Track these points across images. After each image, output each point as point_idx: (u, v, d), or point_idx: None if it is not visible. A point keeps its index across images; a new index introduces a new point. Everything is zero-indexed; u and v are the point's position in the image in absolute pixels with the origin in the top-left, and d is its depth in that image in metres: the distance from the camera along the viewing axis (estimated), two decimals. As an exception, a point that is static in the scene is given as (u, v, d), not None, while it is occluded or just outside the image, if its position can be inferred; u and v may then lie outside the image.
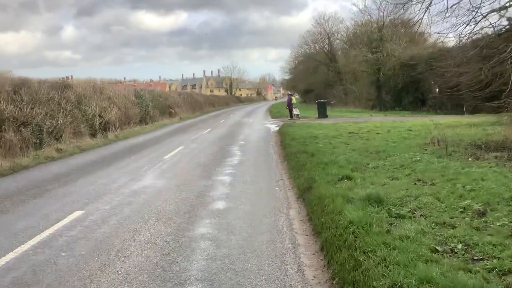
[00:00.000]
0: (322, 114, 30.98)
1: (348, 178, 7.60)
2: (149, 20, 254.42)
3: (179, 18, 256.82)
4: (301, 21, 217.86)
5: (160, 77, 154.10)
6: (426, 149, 11.55)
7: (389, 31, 41.50)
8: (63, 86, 22.65)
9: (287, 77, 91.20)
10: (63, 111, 20.10)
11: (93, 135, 21.46)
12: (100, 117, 23.32)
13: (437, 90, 37.96)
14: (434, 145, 12.20)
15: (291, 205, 7.06)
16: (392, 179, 7.62)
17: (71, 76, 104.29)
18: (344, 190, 6.58)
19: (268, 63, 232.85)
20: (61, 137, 18.52)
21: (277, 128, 22.82)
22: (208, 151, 14.24)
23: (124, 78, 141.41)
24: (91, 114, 22.37)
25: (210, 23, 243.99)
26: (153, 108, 33.28)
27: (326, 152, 11.23)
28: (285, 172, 10.08)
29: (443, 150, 10.75)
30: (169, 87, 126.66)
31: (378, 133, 17.07)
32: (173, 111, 38.78)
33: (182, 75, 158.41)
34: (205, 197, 7.75)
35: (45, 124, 17.37)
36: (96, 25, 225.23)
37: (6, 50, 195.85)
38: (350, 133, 17.53)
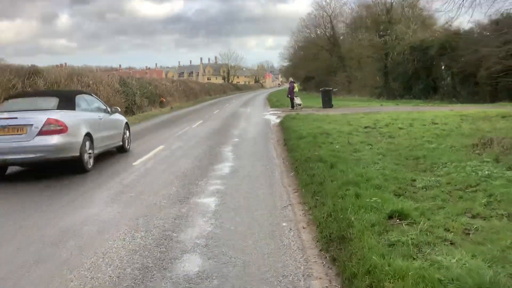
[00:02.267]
0: (327, 103, 28.01)
1: (401, 216, 4.68)
2: (145, 7, 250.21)
3: (175, 6, 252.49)
4: (297, 7, 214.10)
5: (156, 64, 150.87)
6: (479, 153, 8.63)
7: (398, 12, 38.39)
8: (31, 72, 19.65)
9: (286, 64, 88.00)
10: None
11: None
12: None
13: (448, 77, 35.00)
14: (487, 147, 9.28)
15: (312, 270, 4.12)
16: (473, 217, 4.72)
17: (65, 63, 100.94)
18: (411, 257, 3.62)
19: (266, 49, 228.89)
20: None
21: (278, 121, 19.85)
22: (193, 153, 11.29)
23: (120, 66, 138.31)
24: (64, 105, 19.36)
25: (206, 11, 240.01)
26: (140, 97, 30.25)
27: (347, 158, 8.29)
28: (294, 191, 7.15)
29: (509, 156, 7.86)
30: (166, 75, 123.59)
31: (400, 128, 14.16)
32: (164, 100, 35.78)
33: (179, 62, 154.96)
34: (170, 247, 4.82)
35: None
36: (91, 13, 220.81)
37: (2, 38, 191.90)
38: (366, 127, 14.61)
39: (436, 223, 4.46)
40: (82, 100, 10.03)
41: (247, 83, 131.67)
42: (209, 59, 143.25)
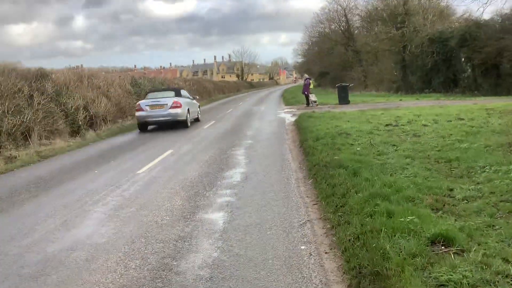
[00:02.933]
0: (344, 99, 27.01)
1: (445, 240, 3.84)
2: (158, 7, 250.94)
3: (187, 5, 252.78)
4: (309, 3, 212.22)
5: (170, 64, 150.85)
6: (520, 154, 7.70)
7: (415, 3, 37.07)
8: (38, 75, 19.15)
9: (300, 60, 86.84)
10: (35, 105, 16.70)
11: (76, 132, 18.01)
12: (86, 110, 19.84)
13: (469, 69, 33.64)
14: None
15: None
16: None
17: (81, 65, 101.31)
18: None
19: (280, 46, 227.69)
20: (29, 138, 15.10)
21: (293, 119, 18.99)
22: (203, 158, 10.55)
23: (135, 66, 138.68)
24: (73, 107, 18.86)
25: (219, 9, 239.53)
26: (153, 98, 29.69)
27: (371, 163, 7.44)
28: (312, 203, 6.33)
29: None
30: (180, 74, 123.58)
31: (424, 125, 13.21)
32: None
33: (193, 61, 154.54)
34: (168, 281, 4.06)
35: (3, 122, 13.97)
36: (106, 14, 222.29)
37: (19, 41, 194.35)
38: (387, 125, 13.69)
39: (491, 251, 3.61)
40: (183, 92, 19.08)
41: (261, 80, 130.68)
42: (223, 57, 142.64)
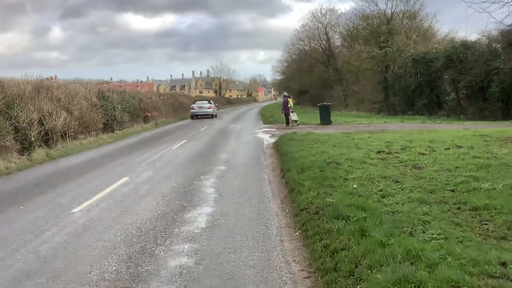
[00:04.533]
0: (325, 120, 25.42)
1: None
2: (136, 21, 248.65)
3: (166, 20, 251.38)
4: (287, 23, 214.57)
5: (148, 77, 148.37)
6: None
7: (399, 22, 36.16)
8: (-15, 84, 16.92)
9: (279, 77, 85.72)
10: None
11: (27, 149, 15.75)
12: (41, 124, 17.60)
13: (452, 93, 32.71)
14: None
15: None
16: None
17: (55, 76, 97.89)
18: None
19: (258, 63, 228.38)
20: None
21: (272, 140, 17.20)
22: (163, 190, 8.57)
23: (111, 79, 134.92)
24: (25, 121, 16.62)
25: (198, 25, 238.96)
26: (121, 112, 27.47)
27: (378, 212, 5.61)
28: (303, 275, 4.42)
29: None
30: (157, 88, 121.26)
31: (421, 153, 11.56)
32: (149, 115, 33.09)
33: (171, 75, 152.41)
34: None
35: None
36: (83, 26, 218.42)
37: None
38: (379, 152, 12.01)
39: None
40: (211, 101, 39.75)
41: (239, 96, 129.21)
42: (201, 73, 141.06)
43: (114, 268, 4.69)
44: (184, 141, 18.13)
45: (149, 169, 11.22)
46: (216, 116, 37.44)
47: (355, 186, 7.42)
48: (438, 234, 4.69)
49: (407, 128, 20.77)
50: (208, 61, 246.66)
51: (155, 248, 5.29)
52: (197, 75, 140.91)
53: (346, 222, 5.16)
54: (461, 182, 7.73)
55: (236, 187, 8.90)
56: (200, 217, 6.68)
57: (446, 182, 7.86)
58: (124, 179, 9.72)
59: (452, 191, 7.23)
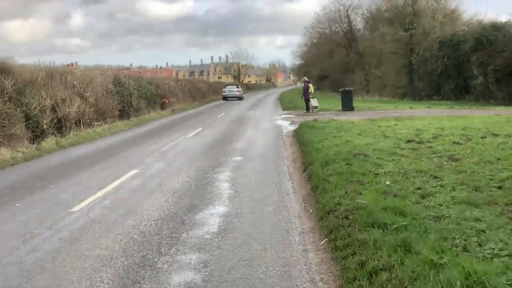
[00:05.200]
0: (347, 105, 24.36)
1: None
2: (155, 7, 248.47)
3: (185, 6, 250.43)
4: (305, 7, 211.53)
5: (167, 63, 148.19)
6: None
7: (425, 3, 34.49)
8: (-4, 70, 16.39)
9: (298, 62, 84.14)
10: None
11: (37, 137, 15.23)
12: (54, 112, 17.06)
13: (480, 77, 31.11)
14: None
15: None
16: None
17: (76, 63, 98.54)
18: None
19: (277, 48, 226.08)
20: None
21: (292, 128, 16.32)
22: (173, 185, 7.83)
23: (131, 65, 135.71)
24: (37, 108, 16.08)
25: (216, 10, 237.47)
26: (138, 99, 26.86)
27: (420, 217, 4.75)
28: (334, 299, 3.66)
29: None
30: (177, 74, 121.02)
31: (456, 143, 10.57)
32: (166, 101, 32.47)
33: (190, 61, 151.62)
34: None
35: None
36: (103, 12, 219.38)
37: (15, 37, 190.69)
38: (409, 141, 11.05)
39: None
40: (238, 86, 52.12)
41: (258, 82, 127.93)
42: (220, 58, 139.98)
43: (106, 286, 3.95)
44: (200, 128, 17.39)
45: (161, 160, 10.49)
46: (243, 98, 45.63)
47: (388, 183, 6.53)
48: (499, 250, 3.81)
49: (435, 114, 19.62)
50: (227, 47, 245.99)
51: (158, 259, 4.54)
52: (215, 60, 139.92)
53: (383, 231, 4.32)
54: (508, 177, 6.79)
55: (253, 181, 8.10)
56: (212, 218, 5.91)
57: (491, 177, 6.92)
58: (133, 172, 9.02)
59: (499, 188, 6.30)
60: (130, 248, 4.85)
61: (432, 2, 38.32)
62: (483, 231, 4.31)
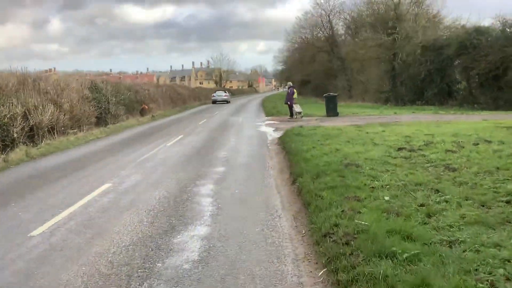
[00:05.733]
0: (332, 111, 23.88)
1: None
2: (135, 12, 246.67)
3: (165, 11, 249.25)
4: (285, 13, 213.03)
5: (148, 69, 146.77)
6: None
7: (407, 8, 34.40)
8: (-40, 76, 15.43)
9: (280, 67, 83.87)
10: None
11: (7, 146, 14.27)
12: (26, 119, 16.08)
13: (463, 81, 31.11)
14: None
15: None
16: None
17: (54, 68, 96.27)
18: None
19: (258, 54, 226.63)
20: None
21: (277, 135, 15.70)
22: (149, 202, 7.08)
23: (111, 70, 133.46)
24: (7, 116, 15.11)
25: (197, 16, 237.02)
26: (116, 105, 25.90)
27: (431, 242, 4.14)
28: None
29: None
30: (157, 79, 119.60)
31: (449, 151, 10.07)
32: (146, 107, 31.58)
33: (171, 67, 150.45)
34: None
35: None
36: (82, 18, 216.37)
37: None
38: (400, 149, 10.52)
39: None
40: (226, 91, 57.61)
41: (240, 87, 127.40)
42: (201, 63, 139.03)
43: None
44: (181, 136, 16.62)
45: (138, 172, 9.71)
46: (229, 102, 50.66)
47: (387, 198, 5.92)
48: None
49: (422, 120, 19.25)
50: (208, 52, 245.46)
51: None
52: (197, 66, 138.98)
53: (393, 261, 3.68)
54: (514, 190, 6.25)
55: (237, 196, 7.40)
56: (192, 242, 5.20)
57: (495, 190, 6.39)
58: (106, 186, 8.23)
59: (508, 202, 5.77)
60: (94, 284, 4.11)
61: (413, 7, 38.32)
62: (508, 261, 3.71)
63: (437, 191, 6.33)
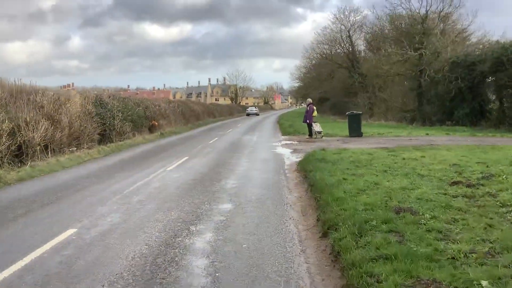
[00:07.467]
0: (356, 131, 21.55)
1: None
2: (153, 30, 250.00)
3: (183, 29, 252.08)
4: (300, 32, 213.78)
5: (164, 85, 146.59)
6: None
7: (434, 22, 32.11)
8: None
9: (297, 84, 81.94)
10: None
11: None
12: (11, 136, 14.16)
13: (497, 101, 28.59)
14: None
15: None
16: None
17: (72, 83, 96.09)
18: None
19: (274, 71, 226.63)
20: None
21: (295, 159, 13.48)
22: (116, 266, 4.89)
23: (128, 86, 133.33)
24: (-9, 132, 13.25)
25: (213, 34, 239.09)
26: (122, 121, 23.92)
27: None
28: None
29: None
30: (174, 95, 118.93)
31: (523, 188, 7.69)
32: (156, 124, 29.72)
33: (187, 83, 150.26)
34: None
35: None
36: (102, 35, 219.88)
37: (15, 59, 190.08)
38: (454, 183, 8.28)
39: None
40: (255, 106, 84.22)
41: (256, 104, 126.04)
42: (217, 80, 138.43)
43: None
44: (186, 158, 14.49)
45: (119, 209, 7.54)
46: (258, 114, 67.43)
47: (484, 284, 3.63)
48: None
49: (460, 143, 16.80)
50: (224, 69, 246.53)
51: None
52: (213, 82, 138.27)
53: None
54: None
55: (245, 254, 5.16)
56: None
57: None
58: (68, 233, 6.07)
59: None
60: None
61: (438, 22, 36.01)
62: None
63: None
